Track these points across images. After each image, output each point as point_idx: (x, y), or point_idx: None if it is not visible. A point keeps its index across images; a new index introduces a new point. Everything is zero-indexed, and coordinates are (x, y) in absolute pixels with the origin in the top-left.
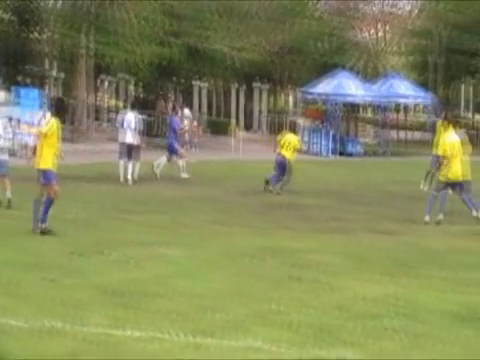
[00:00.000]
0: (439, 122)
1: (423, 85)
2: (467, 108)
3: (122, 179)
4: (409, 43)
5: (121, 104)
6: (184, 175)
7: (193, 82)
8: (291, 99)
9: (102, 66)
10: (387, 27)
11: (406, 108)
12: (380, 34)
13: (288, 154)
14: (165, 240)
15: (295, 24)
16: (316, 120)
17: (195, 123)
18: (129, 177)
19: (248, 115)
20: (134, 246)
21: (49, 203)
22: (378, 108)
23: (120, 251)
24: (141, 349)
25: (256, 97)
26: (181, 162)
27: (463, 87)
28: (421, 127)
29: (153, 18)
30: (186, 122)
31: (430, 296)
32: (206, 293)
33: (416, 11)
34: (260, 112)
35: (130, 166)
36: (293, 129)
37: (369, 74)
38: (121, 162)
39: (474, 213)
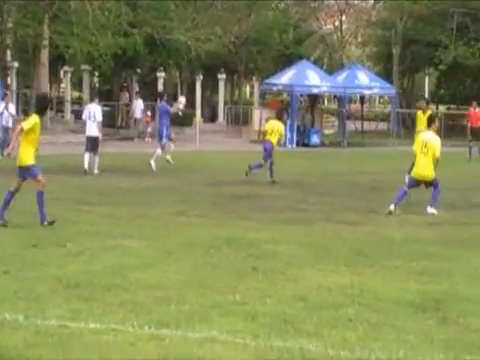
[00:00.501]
0: (419, 113)
1: (386, 76)
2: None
3: (88, 171)
4: (372, 34)
5: (85, 96)
6: (153, 164)
7: (157, 74)
8: (255, 90)
9: (64, 57)
10: (350, 18)
11: (368, 99)
12: (343, 26)
13: (274, 140)
14: (125, 232)
15: (258, 15)
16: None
17: (148, 113)
18: (96, 170)
19: (212, 106)
20: (94, 238)
21: (41, 197)
22: (339, 99)
23: (79, 243)
24: (97, 341)
25: (220, 88)
26: (159, 151)
27: (427, 79)
28: (384, 118)
29: (114, 9)
30: (138, 112)
31: (389, 286)
32: (165, 284)
33: (379, 2)
34: (225, 103)
35: (96, 159)
36: (279, 117)
37: (332, 65)
38: (86, 155)
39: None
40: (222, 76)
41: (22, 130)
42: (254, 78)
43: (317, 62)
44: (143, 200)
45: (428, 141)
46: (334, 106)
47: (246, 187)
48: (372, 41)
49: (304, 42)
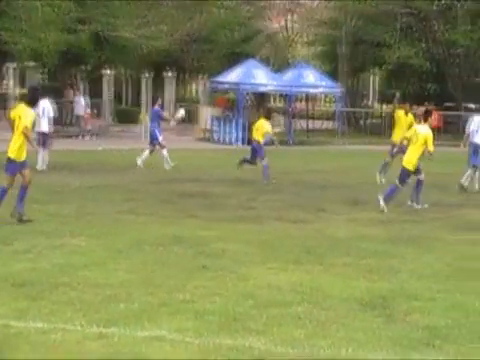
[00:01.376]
0: (399, 113)
1: (332, 75)
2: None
3: (39, 168)
4: (319, 33)
5: None
6: (167, 166)
7: (103, 71)
8: (201, 88)
9: (8, 53)
10: (298, 17)
11: (315, 98)
12: (290, 24)
13: (261, 139)
14: (73, 230)
15: (205, 13)
16: (226, 109)
17: (88, 111)
18: (44, 166)
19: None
20: (41, 236)
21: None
22: (287, 97)
23: (27, 241)
24: (44, 340)
25: (166, 86)
26: (165, 152)
27: (372, 78)
28: (330, 117)
29: (59, 4)
30: (80, 109)
31: (335, 283)
32: (112, 282)
33: (326, 2)
34: (171, 101)
35: (45, 154)
36: (267, 115)
37: (279, 64)
38: (40, 150)
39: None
40: (170, 74)
41: (27, 128)
42: (201, 76)
43: (264, 61)
44: (91, 198)
45: (420, 133)
46: (281, 105)
47: (196, 185)
48: (319, 40)
49: (252, 41)
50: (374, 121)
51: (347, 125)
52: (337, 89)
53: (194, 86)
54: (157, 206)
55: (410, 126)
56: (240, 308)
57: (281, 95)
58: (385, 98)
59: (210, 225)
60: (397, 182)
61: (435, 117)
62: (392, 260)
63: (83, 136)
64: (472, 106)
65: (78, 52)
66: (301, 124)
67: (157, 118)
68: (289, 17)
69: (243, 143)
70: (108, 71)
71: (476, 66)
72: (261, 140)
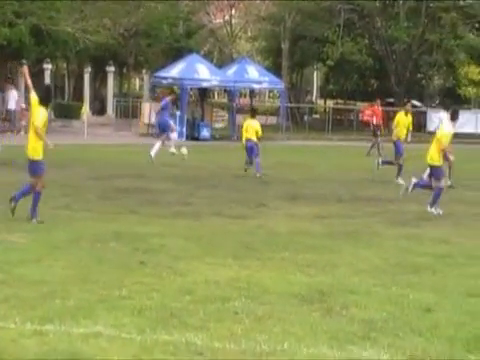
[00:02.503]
0: (400, 114)
1: (275, 71)
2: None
3: None
4: (262, 29)
5: None
6: (172, 150)
7: (44, 65)
8: (145, 83)
9: None
10: (240, 13)
11: (258, 93)
12: (233, 20)
13: (253, 137)
14: (10, 226)
15: (148, 7)
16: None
17: (23, 105)
18: None
19: (101, 99)
20: None
21: (37, 197)
22: (229, 93)
23: None
24: None
25: (109, 81)
26: (173, 136)
27: (315, 74)
28: (274, 112)
29: None
30: (12, 103)
31: (273, 278)
32: (50, 279)
33: None
34: (114, 96)
35: None
36: (253, 114)
37: (222, 59)
38: None
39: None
40: (111, 68)
41: (37, 128)
42: (144, 71)
43: (207, 56)
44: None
45: (440, 130)
46: (224, 100)
47: (134, 181)
48: (262, 36)
49: (194, 35)
50: (317, 117)
51: (290, 121)
52: (280, 85)
53: (137, 81)
54: (96, 202)
55: (408, 125)
56: (178, 304)
57: (224, 90)
58: (327, 93)
59: (149, 221)
60: (437, 183)
61: (378, 113)
62: (330, 255)
63: (18, 131)
64: (415, 102)
65: (18, 46)
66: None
67: (166, 110)
68: (232, 12)
69: (186, 138)
70: (49, 65)
71: (417, 62)
72: (254, 138)
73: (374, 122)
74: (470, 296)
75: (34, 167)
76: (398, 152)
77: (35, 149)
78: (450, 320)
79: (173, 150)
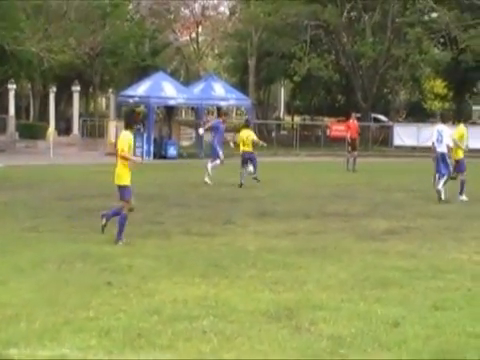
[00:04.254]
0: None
1: (242, 88)
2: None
3: None
4: (228, 46)
5: None
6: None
7: (9, 86)
8: (111, 102)
9: None
10: (206, 30)
11: (225, 110)
12: (200, 37)
13: (249, 148)
14: None
15: (113, 26)
16: (135, 123)
17: None
18: None
19: (67, 119)
20: None
21: (123, 220)
22: (196, 110)
23: None
24: None
25: (75, 101)
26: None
27: (282, 90)
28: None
29: None
30: None
31: (241, 296)
32: (15, 302)
33: (235, 14)
34: (80, 116)
35: None
36: (246, 124)
37: (189, 77)
38: None
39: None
40: (76, 88)
41: (123, 151)
42: (110, 90)
43: (174, 74)
44: None
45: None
46: (191, 118)
47: (102, 200)
48: (228, 53)
49: (160, 54)
50: (285, 133)
51: (258, 137)
52: (247, 101)
53: (103, 100)
54: (63, 223)
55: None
56: (145, 324)
57: (191, 108)
58: (294, 109)
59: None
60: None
61: (354, 128)
62: (298, 271)
63: None
64: (381, 117)
65: None
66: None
67: (219, 133)
68: (198, 30)
69: (154, 157)
70: (13, 86)
71: (383, 77)
72: (251, 149)
73: (349, 137)
74: (436, 309)
75: (121, 192)
76: (462, 168)
77: (119, 176)
78: (417, 334)
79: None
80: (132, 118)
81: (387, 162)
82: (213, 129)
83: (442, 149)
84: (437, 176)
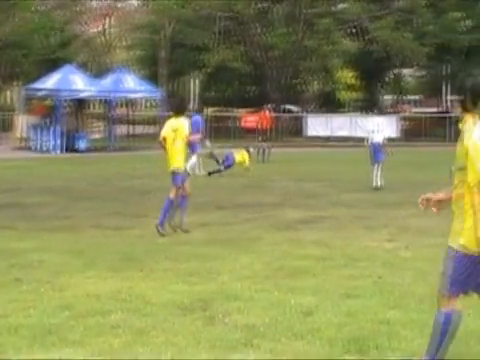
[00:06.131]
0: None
1: (153, 80)
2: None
3: None
4: (138, 38)
5: None
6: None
7: None
8: (18, 96)
9: None
10: (116, 22)
11: (136, 103)
12: (109, 29)
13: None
14: None
15: (20, 17)
16: (44, 116)
17: None
18: None
19: None
20: None
21: (169, 204)
22: (106, 103)
23: None
24: None
25: None
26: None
27: (194, 82)
28: (152, 122)
29: None
30: None
31: (155, 289)
32: None
33: (145, 6)
34: None
35: None
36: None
37: (98, 69)
38: None
39: None
40: None
41: (164, 139)
42: (16, 83)
43: (83, 66)
44: None
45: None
46: (101, 110)
47: (9, 195)
48: (138, 45)
49: (69, 46)
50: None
51: None
52: (157, 93)
53: (9, 93)
54: None
55: None
56: (56, 320)
57: (101, 101)
58: (206, 101)
59: (26, 236)
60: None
61: (266, 119)
62: (212, 262)
63: None
64: (293, 108)
65: None
66: (122, 130)
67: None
68: (107, 21)
69: (62, 151)
70: None
71: (294, 68)
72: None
73: (260, 128)
74: (349, 297)
75: (172, 177)
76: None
77: (171, 160)
78: (330, 322)
79: (199, 171)
80: (184, 105)
81: (299, 152)
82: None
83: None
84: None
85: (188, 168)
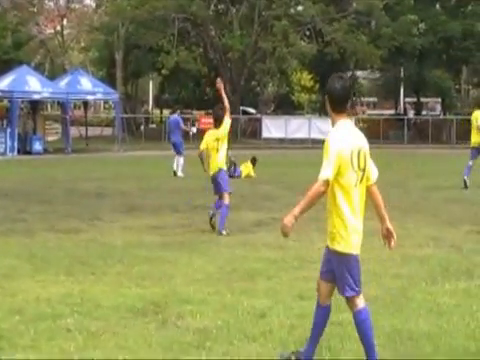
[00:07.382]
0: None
1: (109, 81)
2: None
3: None
4: (94, 39)
5: None
6: (181, 174)
7: None
8: None
9: None
10: (72, 23)
11: (93, 105)
12: (65, 30)
13: None
14: None
15: None
16: None
17: None
18: None
19: None
20: None
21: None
22: (62, 105)
23: None
24: None
25: None
26: (182, 160)
27: (151, 83)
28: (109, 123)
29: None
30: None
31: (107, 292)
32: None
33: (101, 7)
34: None
35: None
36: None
37: (54, 71)
38: None
39: None
40: None
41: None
42: None
43: (38, 68)
44: None
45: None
46: (58, 112)
47: None
48: (95, 46)
49: (24, 47)
50: (153, 126)
51: (126, 131)
52: (114, 95)
53: None
54: None
55: None
56: (7, 324)
57: (57, 102)
58: (163, 103)
59: None
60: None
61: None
62: (165, 266)
63: None
64: (249, 109)
65: None
66: (79, 131)
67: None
68: (63, 22)
69: (18, 153)
70: None
71: (251, 70)
72: None
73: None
74: (302, 299)
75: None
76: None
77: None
78: (283, 324)
79: (180, 173)
80: (220, 114)
81: (256, 154)
82: (173, 125)
83: None
84: None
85: (174, 167)
